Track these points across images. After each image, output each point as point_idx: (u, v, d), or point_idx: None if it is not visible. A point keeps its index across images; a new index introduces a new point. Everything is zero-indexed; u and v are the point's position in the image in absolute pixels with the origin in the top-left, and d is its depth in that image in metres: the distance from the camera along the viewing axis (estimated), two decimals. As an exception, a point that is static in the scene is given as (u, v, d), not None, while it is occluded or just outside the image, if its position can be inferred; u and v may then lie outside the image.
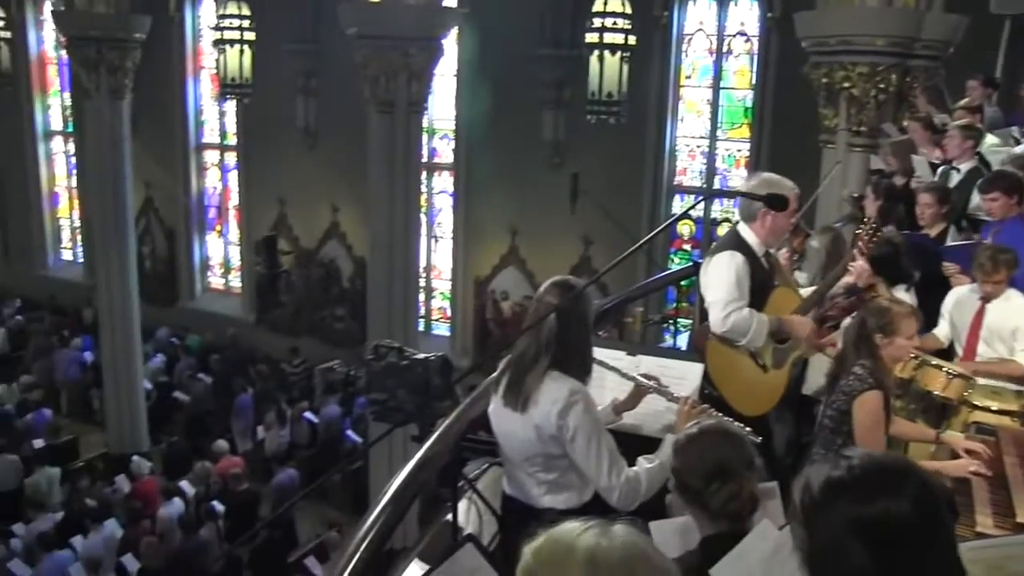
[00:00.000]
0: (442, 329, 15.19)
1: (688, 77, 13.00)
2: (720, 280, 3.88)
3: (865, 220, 4.69)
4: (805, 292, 4.39)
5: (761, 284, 3.95)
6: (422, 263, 13.08)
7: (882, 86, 7.84)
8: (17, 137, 19.53)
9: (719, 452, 2.39)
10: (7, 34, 15.97)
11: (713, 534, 2.37)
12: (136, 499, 10.50)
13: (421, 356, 3.87)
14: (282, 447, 12.63)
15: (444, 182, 14.89)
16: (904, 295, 4.47)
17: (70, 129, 19.35)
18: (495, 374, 3.31)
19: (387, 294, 10.59)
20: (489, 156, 13.68)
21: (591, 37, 10.18)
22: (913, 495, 1.45)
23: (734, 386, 3.91)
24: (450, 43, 12.43)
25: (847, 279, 4.43)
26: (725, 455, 2.39)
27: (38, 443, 12.00)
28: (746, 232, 3.98)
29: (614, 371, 3.46)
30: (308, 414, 13.21)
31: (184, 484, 10.98)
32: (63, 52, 18.60)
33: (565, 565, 1.36)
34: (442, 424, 3.70)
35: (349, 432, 12.73)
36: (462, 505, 3.57)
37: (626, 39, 10.06)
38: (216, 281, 17.76)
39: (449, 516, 3.57)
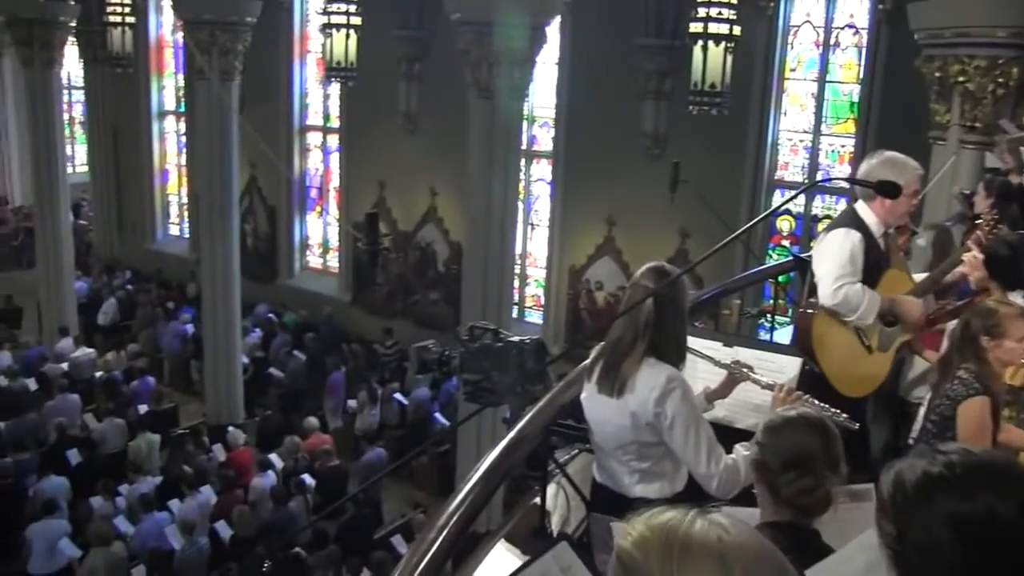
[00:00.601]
0: (535, 317, 15.22)
1: (793, 70, 12.68)
2: (833, 254, 3.80)
3: (979, 216, 4.52)
4: (918, 278, 4.26)
5: (875, 264, 3.86)
6: (518, 250, 13.12)
7: (1001, 80, 7.52)
8: (134, 116, 20.35)
9: (807, 444, 2.32)
10: (131, 19, 16.61)
11: (774, 521, 2.31)
12: (230, 468, 10.79)
13: (516, 339, 3.87)
14: (372, 426, 12.85)
15: (543, 170, 14.89)
16: (1020, 300, 4.28)
17: (182, 109, 20.04)
18: (588, 360, 3.29)
19: (482, 280, 10.64)
20: (588, 145, 13.62)
21: (695, 27, 10.01)
22: (1020, 497, 1.38)
23: (836, 363, 3.83)
24: (553, 31, 12.38)
25: (961, 269, 4.27)
26: (812, 448, 2.31)
27: (142, 408, 12.46)
28: (864, 211, 3.88)
29: (707, 359, 3.42)
30: (398, 395, 13.42)
31: (273, 457, 11.26)
32: (179, 35, 19.31)
33: (687, 558, 1.22)
34: (533, 407, 3.70)
35: (438, 415, 12.88)
36: (550, 489, 3.57)
37: (731, 29, 9.87)
38: (314, 261, 18.15)
39: (536, 499, 3.59)
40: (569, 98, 13.93)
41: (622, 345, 3.03)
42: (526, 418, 3.32)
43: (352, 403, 13.28)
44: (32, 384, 12.91)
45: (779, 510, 2.31)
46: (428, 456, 12.61)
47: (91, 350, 14.78)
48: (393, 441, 12.65)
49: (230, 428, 12.08)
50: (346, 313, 16.53)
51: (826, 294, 3.77)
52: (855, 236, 3.80)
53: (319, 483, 10.52)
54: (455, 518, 2.77)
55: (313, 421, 11.86)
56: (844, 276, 3.74)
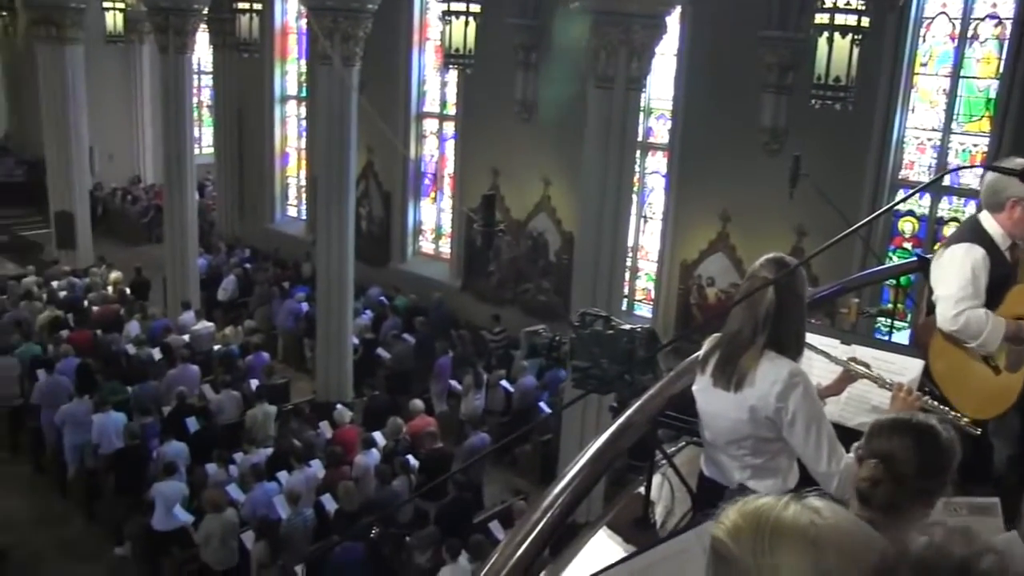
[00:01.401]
0: (644, 310, 15.09)
1: (924, 64, 12.19)
2: (954, 274, 3.55)
3: None
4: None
5: (1000, 279, 3.58)
6: (630, 243, 13.02)
7: None
8: (258, 101, 21.03)
9: (899, 448, 2.23)
10: (258, 6, 17.16)
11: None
12: (336, 444, 11.05)
13: (628, 327, 3.86)
14: (476, 412, 12.97)
15: (658, 163, 14.73)
16: None
17: (303, 94, 20.60)
18: (702, 352, 3.23)
19: (593, 271, 10.60)
20: (704, 139, 13.41)
21: (821, 18, 9.69)
22: None
23: (959, 388, 3.59)
24: (673, 21, 12.22)
25: None
26: (902, 454, 2.22)
27: (255, 383, 12.87)
28: (988, 222, 3.62)
29: (823, 355, 3.32)
30: (504, 382, 13.50)
31: (377, 436, 11.48)
32: (302, 22, 19.84)
33: (778, 544, 1.20)
34: (642, 396, 3.67)
35: (543, 404, 12.92)
36: (655, 479, 3.54)
37: (859, 21, 9.51)
38: (427, 246, 18.42)
39: (640, 489, 3.56)
40: (687, 90, 13.74)
41: (741, 338, 2.95)
42: (634, 407, 3.30)
43: (458, 387, 13.45)
44: (157, 353, 13.48)
45: (865, 509, 2.23)
46: (531, 444, 12.68)
47: (211, 324, 15.35)
48: (497, 427, 12.75)
49: (338, 406, 12.35)
50: (456, 299, 16.73)
51: (945, 318, 3.53)
52: (977, 253, 3.54)
53: (422, 465, 10.67)
54: (561, 500, 2.77)
55: (419, 403, 12.02)
56: (965, 299, 3.48)
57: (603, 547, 3.25)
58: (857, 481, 2.27)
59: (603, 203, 10.52)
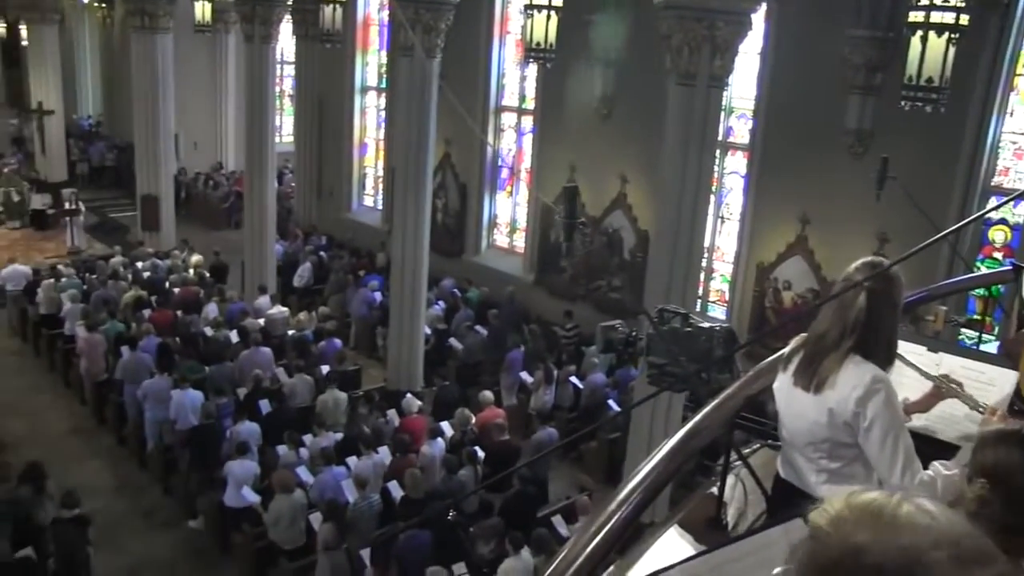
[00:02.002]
0: (718, 311, 14.91)
1: (1027, 67, 11.74)
2: None
3: None
4: None
5: None
6: (706, 243, 12.86)
7: None
8: (338, 91, 21.33)
9: (1010, 459, 2.13)
10: (342, -2, 17.41)
11: None
12: (404, 432, 11.14)
13: (706, 325, 3.81)
14: (545, 406, 12.97)
15: (737, 163, 14.52)
16: None
17: (383, 85, 20.81)
18: (786, 351, 3.17)
19: (668, 270, 10.48)
20: (786, 139, 13.17)
21: (915, 16, 9.39)
22: None
23: None
24: (758, 18, 12.01)
25: None
26: (1014, 466, 2.12)
27: (326, 368, 13.05)
28: None
29: (915, 368, 3.22)
30: (574, 378, 13.47)
31: (445, 426, 11.55)
32: (384, 14, 20.05)
33: (900, 543, 1.10)
34: (718, 396, 3.61)
35: (612, 402, 12.85)
36: (729, 480, 3.48)
37: (957, 19, 9.20)
38: (501, 239, 18.47)
39: (712, 489, 3.51)
40: (770, 89, 13.52)
41: (827, 340, 2.88)
42: (711, 405, 3.24)
43: (528, 381, 13.46)
44: (233, 336, 13.78)
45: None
46: (598, 442, 12.63)
47: (285, 309, 15.63)
48: (565, 423, 12.73)
49: (407, 394, 12.45)
50: (528, 293, 16.74)
51: None
52: None
53: (489, 456, 10.71)
54: (633, 498, 2.73)
55: (488, 395, 12.06)
56: None
57: (674, 545, 3.20)
58: (965, 502, 2.17)
59: (681, 202, 10.39)
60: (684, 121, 10.29)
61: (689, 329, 3.71)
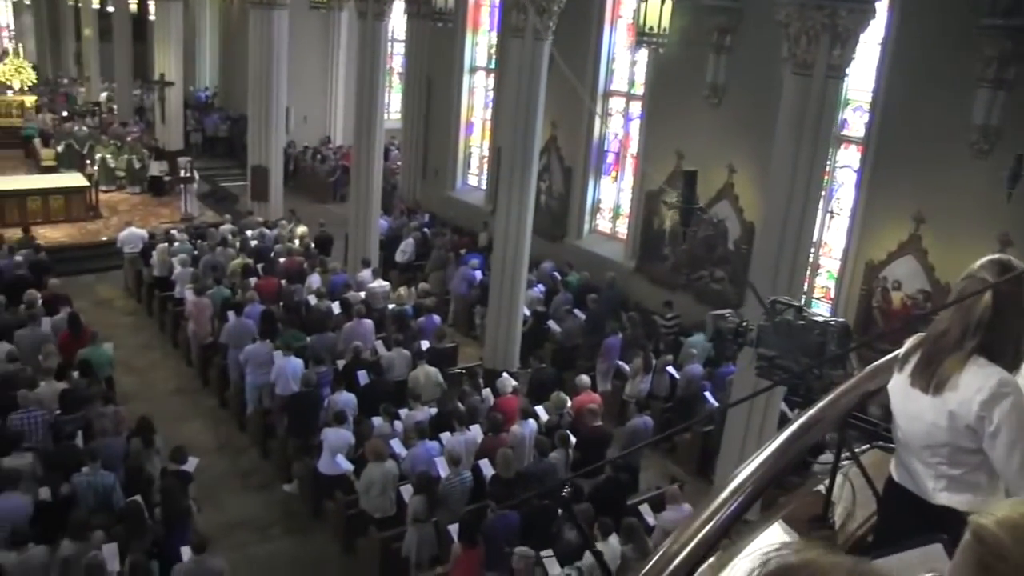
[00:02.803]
0: (822, 309, 14.54)
1: None
2: None
3: None
4: None
5: None
6: (813, 237, 12.52)
7: None
8: (447, 70, 21.48)
9: None
10: (456, -24, 17.57)
11: None
12: (498, 412, 11.19)
13: (821, 319, 3.70)
14: (641, 394, 12.88)
15: (850, 156, 14.07)
16: None
17: (492, 65, 20.86)
18: (902, 350, 3.05)
19: (774, 264, 10.24)
20: (904, 134, 12.69)
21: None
22: None
23: None
24: (881, 6, 11.57)
25: None
26: None
27: (425, 344, 13.20)
28: None
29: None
30: (671, 368, 13.34)
31: (540, 409, 11.55)
32: (498, -7, 20.10)
33: None
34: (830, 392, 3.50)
35: (708, 394, 12.68)
36: (837, 479, 3.38)
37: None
38: (604, 224, 18.37)
39: (819, 487, 3.41)
40: (889, 81, 13.03)
41: (947, 340, 2.73)
42: (825, 401, 3.15)
43: (625, 367, 13.37)
44: (335, 307, 14.04)
45: None
46: (692, 434, 12.48)
47: (387, 283, 15.86)
48: (660, 413, 12.62)
49: (503, 374, 12.50)
50: (628, 280, 16.63)
51: None
52: None
53: (581, 441, 10.68)
54: (745, 490, 2.66)
55: (585, 380, 12.02)
56: None
57: (778, 541, 3.13)
58: None
59: (791, 195, 10.13)
60: (798, 112, 10.03)
61: (802, 322, 3.61)
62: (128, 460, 9.70)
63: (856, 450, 3.63)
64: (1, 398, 10.45)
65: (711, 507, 2.69)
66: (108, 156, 23.51)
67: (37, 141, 26.22)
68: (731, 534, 2.87)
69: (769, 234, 10.51)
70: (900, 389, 2.94)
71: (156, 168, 23.48)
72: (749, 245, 13.73)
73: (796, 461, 3.45)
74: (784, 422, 10.71)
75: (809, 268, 13.13)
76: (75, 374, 11.19)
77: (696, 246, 15.49)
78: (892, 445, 3.15)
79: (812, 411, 3.05)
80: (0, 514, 8.29)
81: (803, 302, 13.18)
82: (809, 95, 9.95)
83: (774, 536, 3.19)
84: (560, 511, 9.25)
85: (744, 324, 3.65)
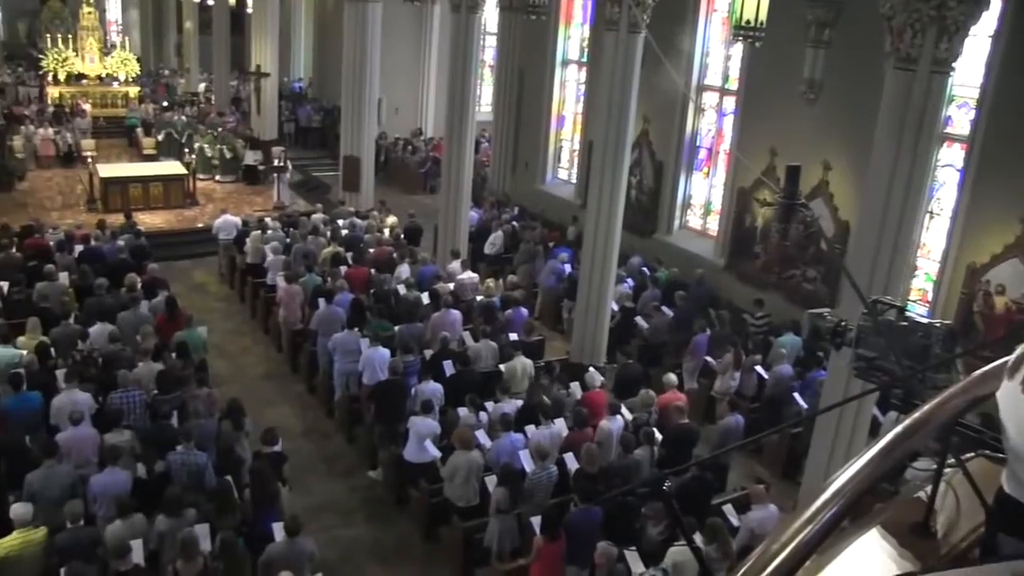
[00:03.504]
0: (919, 311, 14.08)
1: None
2: None
3: None
4: None
5: None
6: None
7: None
8: (539, 63, 21.51)
9: None
10: (551, -31, 17.56)
11: None
12: (584, 406, 11.15)
13: (925, 320, 3.57)
14: (730, 391, 12.70)
15: (953, 155, 13.57)
16: None
17: (584, 59, 20.79)
18: (1013, 356, 2.91)
19: (869, 265, 9.91)
20: (1013, 133, 12.18)
21: None
22: None
23: None
24: (996, -1, 11.11)
25: None
26: None
27: (513, 336, 13.22)
28: None
29: None
30: (759, 368, 13.11)
31: (625, 405, 11.47)
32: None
33: None
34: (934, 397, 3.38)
35: (797, 396, 12.43)
36: (940, 487, 3.26)
37: None
38: (694, 221, 18.15)
39: (919, 494, 3.30)
40: (999, 77, 12.50)
41: None
42: (932, 403, 3.04)
43: (713, 365, 13.20)
44: (424, 297, 14.17)
45: None
46: (779, 435, 12.25)
47: (475, 275, 15.94)
48: (746, 412, 12.42)
49: (590, 368, 12.45)
50: (718, 277, 16.40)
51: None
52: None
53: (667, 439, 10.58)
54: (844, 495, 2.59)
55: (672, 377, 11.88)
56: None
57: (875, 549, 3.03)
58: None
59: (890, 194, 9.80)
60: (900, 108, 9.68)
61: (905, 323, 3.49)
62: (219, 441, 9.96)
63: (964, 457, 3.51)
64: (103, 377, 10.89)
65: (812, 508, 2.61)
66: (206, 145, 24.18)
67: (139, 130, 27.18)
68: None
69: (866, 234, 10.18)
70: (1011, 397, 2.80)
71: (251, 157, 24.05)
72: (844, 244, 13.38)
73: (898, 465, 3.35)
74: (876, 426, 10.48)
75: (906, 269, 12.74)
76: (172, 355, 11.54)
77: (789, 244, 15.18)
78: (1000, 455, 3.03)
79: (918, 413, 2.95)
80: (104, 487, 8.64)
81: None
82: (912, 91, 9.60)
83: (871, 542, 3.10)
84: (643, 509, 9.17)
85: (843, 324, 3.54)
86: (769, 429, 12.35)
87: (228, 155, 24.13)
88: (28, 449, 9.30)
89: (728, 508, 9.81)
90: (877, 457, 2.74)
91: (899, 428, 2.89)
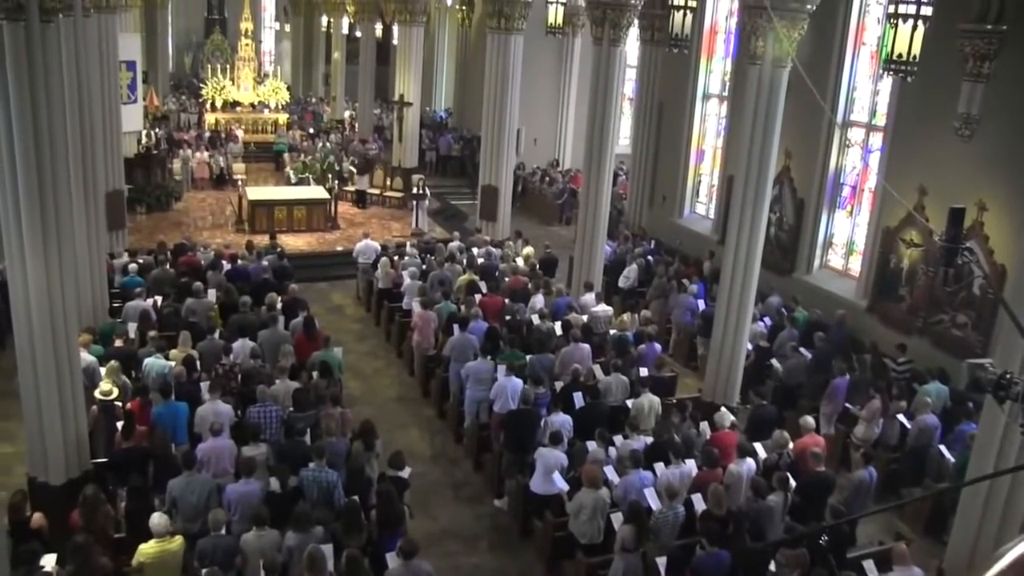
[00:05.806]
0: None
1: None
2: None
3: None
4: None
5: None
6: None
7: None
8: (679, 96, 21.39)
9: None
10: (692, 3, 17.45)
11: None
12: (714, 446, 10.88)
13: (1101, 377, 3.32)
14: (871, 439, 12.19)
15: None
16: None
17: (726, 93, 20.53)
18: None
19: (1027, 312, 9.31)
20: None
21: None
22: None
23: None
24: None
25: None
26: None
27: (644, 371, 13.03)
28: None
29: None
30: (902, 416, 12.52)
31: (758, 447, 11.13)
32: (732, 21, 19.79)
33: None
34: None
35: (943, 447, 11.81)
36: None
37: None
38: (836, 260, 17.57)
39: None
40: None
41: None
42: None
43: (852, 410, 12.69)
44: (557, 328, 14.17)
45: None
46: (923, 490, 11.64)
47: (609, 308, 15.85)
48: (886, 463, 11.89)
49: (721, 408, 12.15)
50: (859, 319, 15.79)
51: None
52: None
53: (801, 485, 10.19)
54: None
55: (810, 421, 11.45)
56: None
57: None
58: None
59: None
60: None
61: (1078, 380, 3.25)
62: (349, 461, 10.16)
63: None
64: (243, 391, 11.31)
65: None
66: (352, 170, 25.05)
67: (287, 156, 28.31)
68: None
69: (1024, 279, 9.59)
70: None
71: (362, 182, 24.76)
72: (998, 290, 12.68)
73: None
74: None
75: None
76: (314, 374, 11.87)
77: (935, 287, 14.48)
78: None
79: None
80: (241, 497, 8.94)
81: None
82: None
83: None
84: (777, 556, 8.84)
85: (1009, 376, 3.32)
86: (910, 482, 11.77)
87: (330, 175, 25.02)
88: (173, 456, 9.77)
89: (868, 564, 9.33)
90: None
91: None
